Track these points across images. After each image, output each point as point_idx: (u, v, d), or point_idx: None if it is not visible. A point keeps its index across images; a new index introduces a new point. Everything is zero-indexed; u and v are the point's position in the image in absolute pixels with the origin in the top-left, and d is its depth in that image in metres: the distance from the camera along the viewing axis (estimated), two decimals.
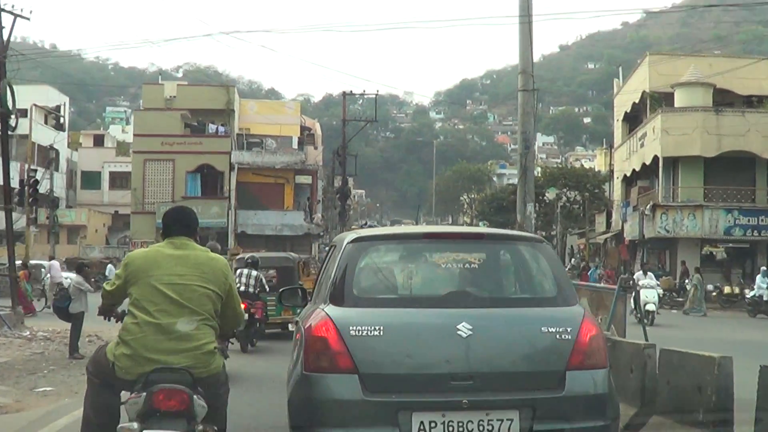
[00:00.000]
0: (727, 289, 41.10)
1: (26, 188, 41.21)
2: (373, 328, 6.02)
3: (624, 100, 58.59)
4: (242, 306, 8.00)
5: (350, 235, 7.05)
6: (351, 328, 6.02)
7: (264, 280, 19.63)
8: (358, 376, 5.92)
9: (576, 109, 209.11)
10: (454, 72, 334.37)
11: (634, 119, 57.87)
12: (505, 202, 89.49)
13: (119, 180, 72.82)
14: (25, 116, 67.09)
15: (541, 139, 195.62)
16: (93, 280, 45.40)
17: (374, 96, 59.51)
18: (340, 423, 5.91)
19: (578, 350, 6.13)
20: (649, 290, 30.48)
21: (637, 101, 54.51)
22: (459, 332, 6.00)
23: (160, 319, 5.91)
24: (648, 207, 48.25)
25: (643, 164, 52.20)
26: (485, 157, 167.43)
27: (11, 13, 26.34)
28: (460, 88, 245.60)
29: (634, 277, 32.17)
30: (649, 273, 33.65)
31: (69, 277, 26.38)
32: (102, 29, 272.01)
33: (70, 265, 38.14)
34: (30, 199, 40.77)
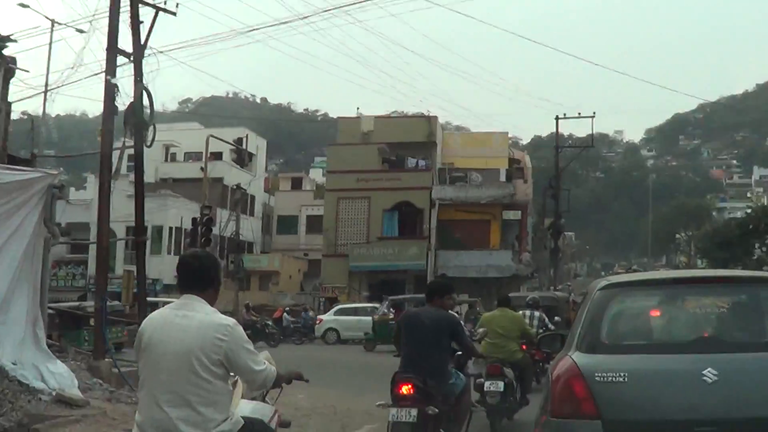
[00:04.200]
0: None
1: (199, 228, 36.89)
2: (617, 374, 6.01)
3: None
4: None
5: (601, 282, 7.16)
6: (596, 374, 6.04)
7: (547, 320, 19.83)
8: (602, 422, 5.95)
9: None
10: (665, 107, 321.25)
11: None
12: (730, 237, 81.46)
13: (317, 224, 68.44)
14: (221, 159, 64.85)
15: (757, 172, 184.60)
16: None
17: (589, 121, 53.26)
18: None
19: None
20: None
21: None
22: (704, 378, 5.87)
23: None
24: None
25: None
26: (700, 193, 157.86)
27: (153, 6, 21.68)
28: (672, 124, 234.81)
29: None
30: None
31: None
32: (309, 81, 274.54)
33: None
34: (203, 239, 36.34)
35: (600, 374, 6.00)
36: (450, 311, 10.40)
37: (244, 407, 5.86)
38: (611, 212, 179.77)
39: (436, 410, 8.94)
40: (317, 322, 45.10)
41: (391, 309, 37.76)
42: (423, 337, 9.42)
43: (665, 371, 6.07)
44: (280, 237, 75.60)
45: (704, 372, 5.86)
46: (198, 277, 5.49)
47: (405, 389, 9.00)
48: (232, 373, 5.46)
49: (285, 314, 47.62)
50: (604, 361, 6.16)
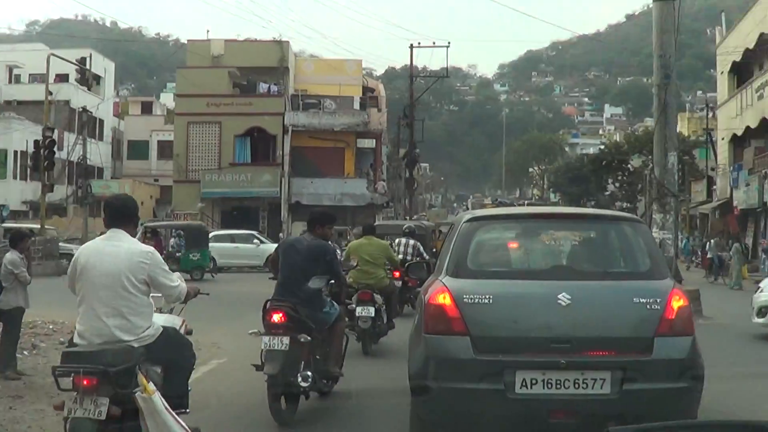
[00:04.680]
0: None
1: (42, 151, 35.29)
2: (483, 296, 6.90)
3: (731, 48, 51.13)
4: (396, 273, 15.93)
5: (467, 215, 8.20)
6: (465, 296, 6.92)
7: (422, 248, 20.19)
8: (470, 338, 6.81)
9: (645, 80, 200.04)
10: (518, 44, 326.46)
11: (745, 70, 50.54)
12: (583, 171, 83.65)
13: (168, 149, 66.81)
14: (67, 81, 62.42)
15: (608, 110, 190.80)
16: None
17: (444, 56, 53.31)
18: (453, 378, 6.77)
19: (665, 319, 6.79)
20: None
21: (751, 46, 46.87)
22: (559, 301, 6.77)
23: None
24: None
25: (763, 119, 44.58)
26: (552, 129, 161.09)
27: None
28: (525, 60, 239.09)
29: None
30: None
31: None
32: (162, 5, 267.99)
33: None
34: (45, 163, 34.92)
35: (468, 296, 6.87)
36: (329, 241, 10.64)
37: (159, 318, 6.99)
38: (465, 145, 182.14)
39: (309, 338, 9.12)
40: None
41: (147, 236, 36.70)
42: (298, 264, 9.55)
43: (525, 294, 7.01)
44: (130, 162, 73.71)
45: (559, 296, 6.76)
46: (121, 214, 6.70)
47: (277, 317, 9.10)
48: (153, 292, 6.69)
49: None
50: (471, 285, 7.01)
